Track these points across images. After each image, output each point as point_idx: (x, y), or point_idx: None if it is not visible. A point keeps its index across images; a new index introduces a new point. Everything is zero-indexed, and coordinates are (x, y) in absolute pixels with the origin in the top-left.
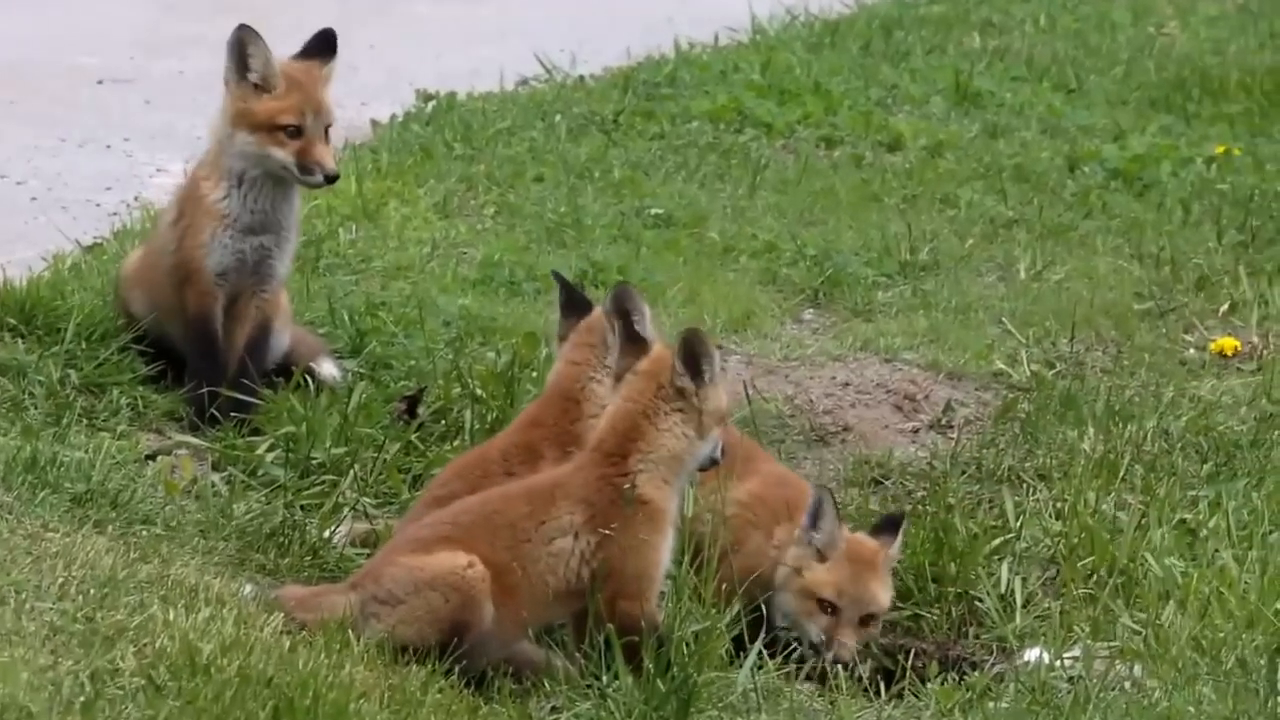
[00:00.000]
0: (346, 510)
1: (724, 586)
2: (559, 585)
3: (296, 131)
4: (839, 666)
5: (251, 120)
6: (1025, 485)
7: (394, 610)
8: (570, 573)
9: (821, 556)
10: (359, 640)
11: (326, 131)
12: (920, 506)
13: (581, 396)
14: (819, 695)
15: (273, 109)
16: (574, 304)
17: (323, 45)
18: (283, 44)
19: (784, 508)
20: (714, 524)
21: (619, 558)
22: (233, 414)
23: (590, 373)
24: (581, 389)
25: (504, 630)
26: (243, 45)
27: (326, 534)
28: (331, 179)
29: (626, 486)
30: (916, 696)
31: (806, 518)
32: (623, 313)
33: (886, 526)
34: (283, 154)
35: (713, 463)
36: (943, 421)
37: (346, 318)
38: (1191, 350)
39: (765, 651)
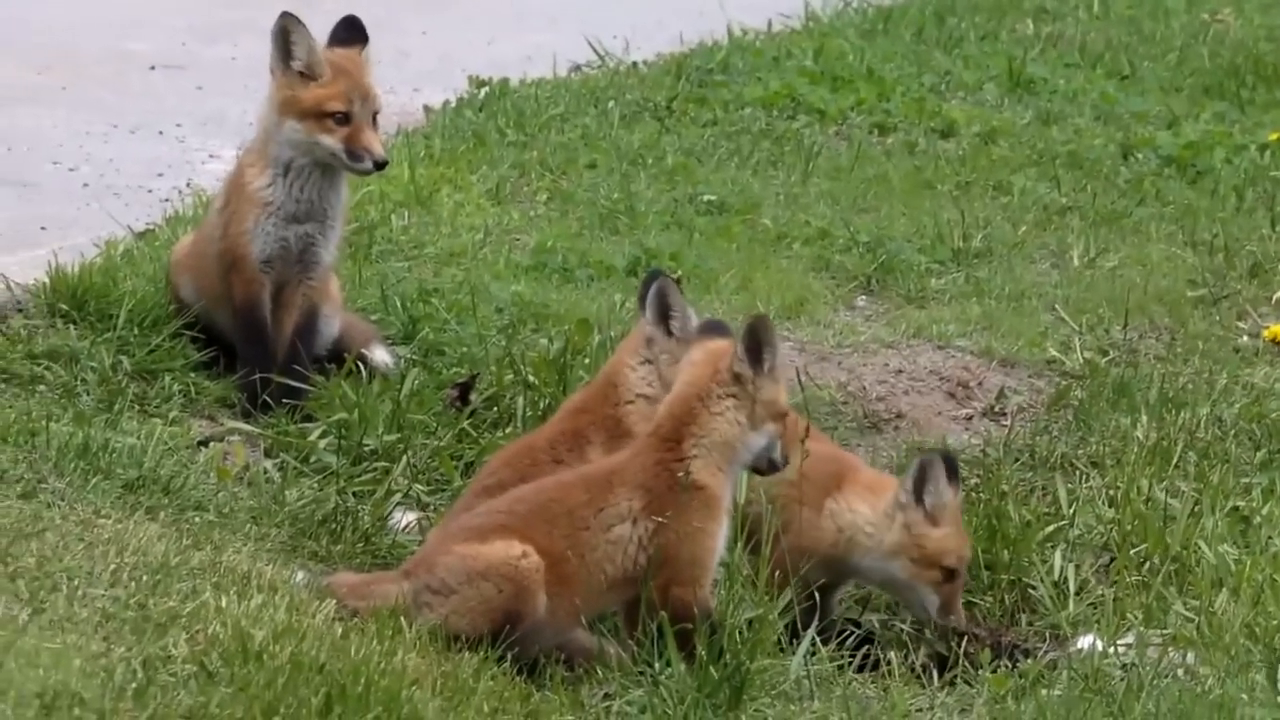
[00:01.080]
0: (398, 497)
1: (777, 572)
2: (616, 573)
3: (345, 118)
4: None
5: (299, 108)
6: (1078, 472)
7: (447, 600)
8: (628, 560)
9: (934, 521)
10: (411, 627)
11: (374, 118)
12: (974, 494)
13: (619, 381)
14: (872, 683)
15: (320, 96)
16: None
17: (352, 31)
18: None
19: (833, 481)
20: (766, 507)
21: (674, 544)
22: (284, 400)
23: (627, 359)
24: (619, 374)
25: (557, 619)
26: (286, 33)
27: (389, 521)
28: (381, 165)
29: (681, 473)
30: (969, 684)
31: (909, 483)
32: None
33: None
34: (331, 141)
35: (772, 465)
36: (996, 408)
37: (399, 304)
38: (1245, 337)
39: (818, 639)
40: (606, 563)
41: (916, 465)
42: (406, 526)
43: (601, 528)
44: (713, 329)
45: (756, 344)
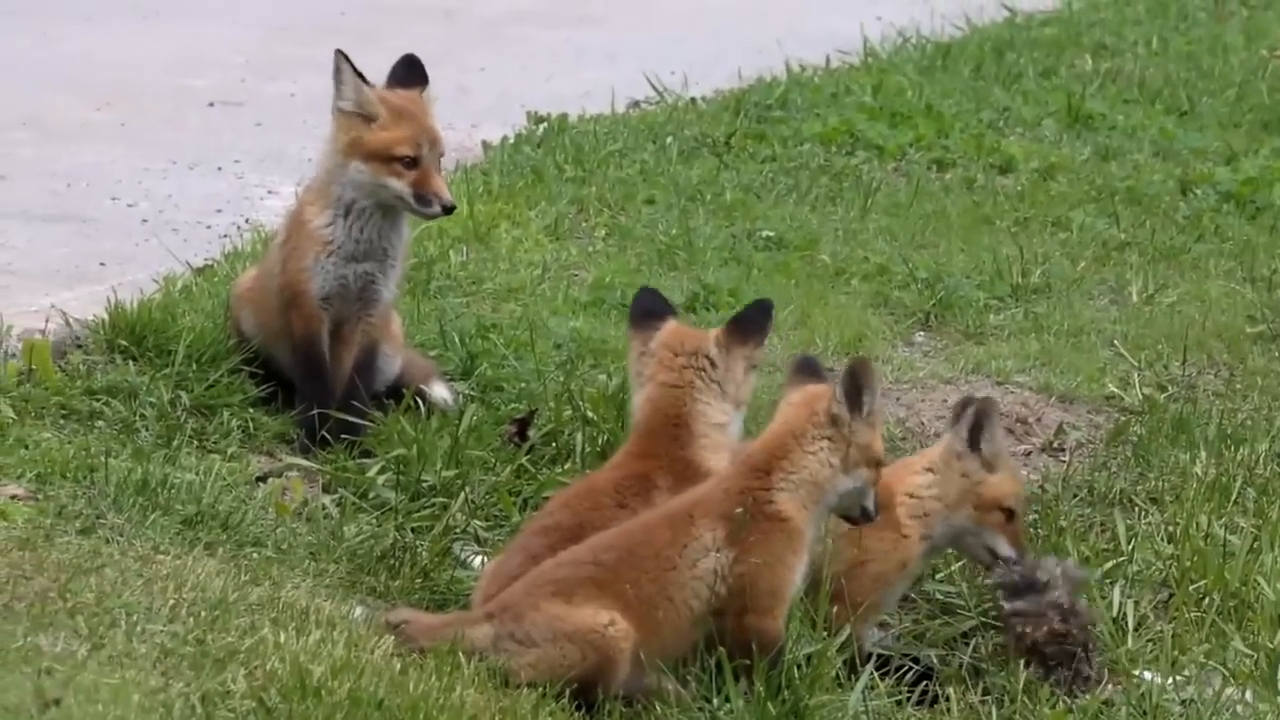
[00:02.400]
0: (457, 532)
1: (859, 599)
2: (701, 608)
3: (413, 162)
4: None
5: (365, 150)
6: (1137, 508)
7: (529, 651)
8: (712, 593)
9: (990, 466)
10: (483, 666)
11: (439, 161)
12: (1032, 529)
13: (690, 419)
14: (930, 719)
15: (388, 140)
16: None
17: (412, 71)
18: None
19: (887, 494)
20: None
21: (754, 573)
22: (343, 436)
23: (696, 394)
24: (689, 412)
25: (639, 667)
26: (339, 71)
27: (465, 561)
28: (449, 209)
29: (746, 504)
30: (1027, 719)
31: (963, 432)
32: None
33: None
34: (399, 185)
35: (864, 514)
36: (1054, 444)
37: (457, 340)
38: None
39: (876, 674)
40: (693, 599)
41: (971, 414)
42: (480, 566)
43: (688, 564)
44: (805, 367)
45: (857, 388)
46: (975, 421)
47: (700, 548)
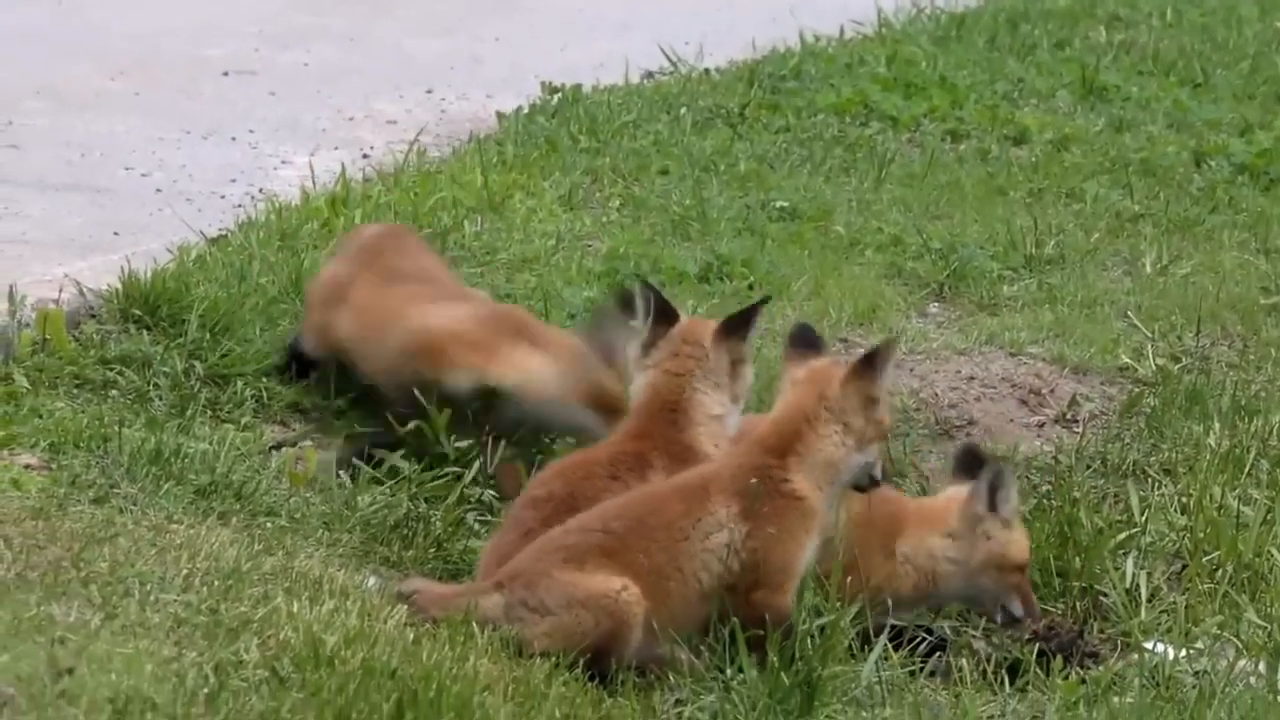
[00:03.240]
0: (471, 503)
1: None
2: (711, 582)
3: None
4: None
5: None
6: (1150, 480)
7: (543, 619)
8: (724, 567)
9: (1008, 525)
10: (496, 636)
11: None
12: (1045, 501)
13: (688, 406)
14: (943, 689)
15: None
16: (664, 313)
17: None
18: (408, 34)
19: (893, 523)
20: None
21: (767, 549)
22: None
23: (695, 383)
24: (687, 399)
25: (650, 636)
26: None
27: None
28: None
29: (754, 481)
30: (1041, 691)
31: (983, 494)
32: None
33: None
34: None
35: (873, 481)
36: (1068, 416)
37: None
38: None
39: (889, 645)
40: (703, 572)
41: (990, 476)
42: None
43: (701, 536)
44: (802, 337)
45: (872, 369)
46: (994, 483)
47: (714, 522)
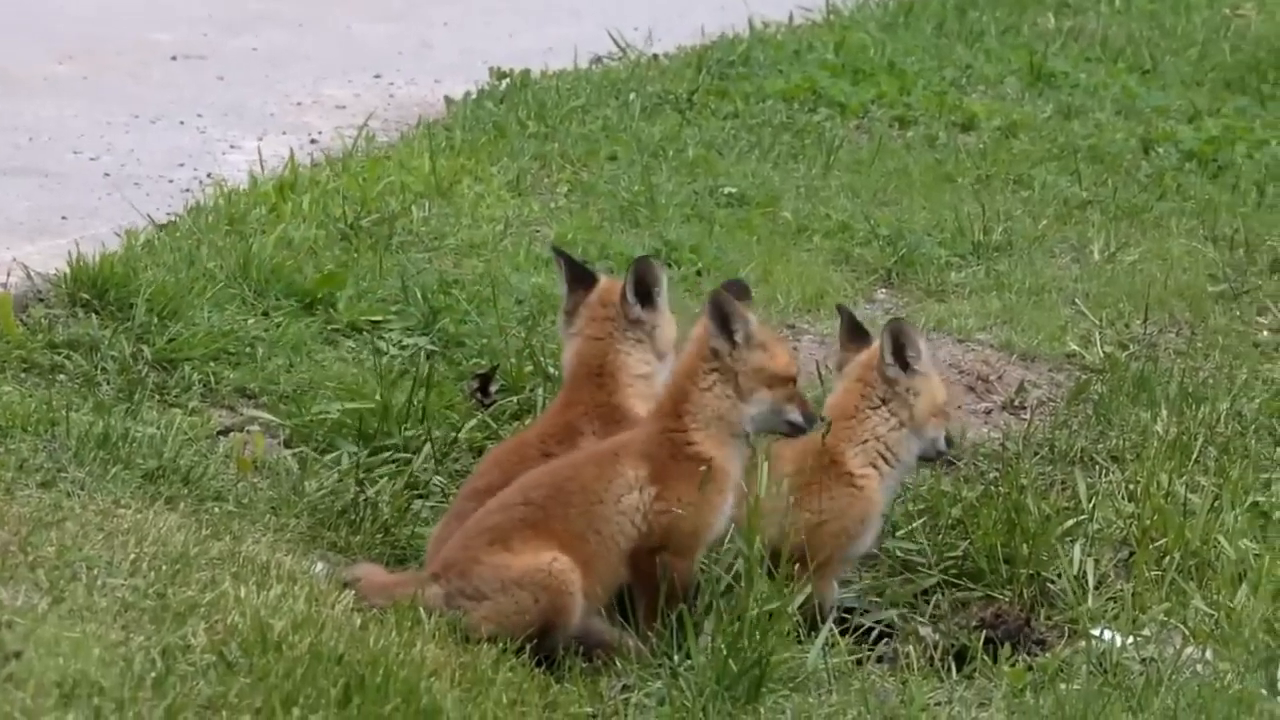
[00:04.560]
0: (419, 489)
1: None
2: (627, 545)
3: None
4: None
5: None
6: (1098, 467)
7: (481, 605)
8: (637, 530)
9: (929, 375)
10: (430, 619)
11: None
12: (993, 487)
13: (614, 369)
14: (890, 675)
15: None
16: (579, 278)
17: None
18: (357, 19)
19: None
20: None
21: (676, 512)
22: None
23: (616, 345)
24: (611, 361)
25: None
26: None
27: None
28: None
29: (687, 445)
30: (988, 678)
31: (889, 356)
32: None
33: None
34: None
35: (794, 427)
36: (1015, 402)
37: (419, 295)
38: (1265, 333)
39: (835, 631)
40: (620, 535)
41: (888, 335)
42: None
43: (613, 499)
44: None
45: (723, 317)
46: (895, 339)
47: (624, 484)
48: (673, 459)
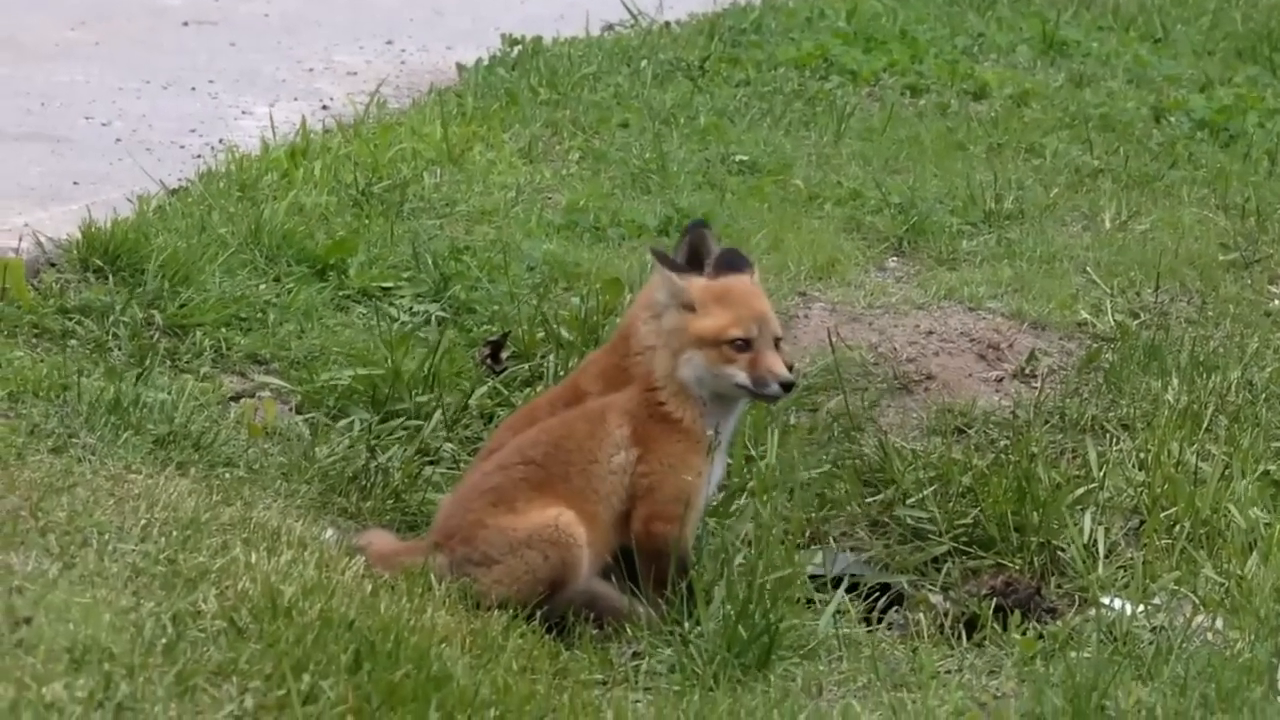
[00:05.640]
0: (430, 455)
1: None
2: (620, 506)
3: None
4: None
5: None
6: (1109, 435)
7: (491, 569)
8: (627, 490)
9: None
10: (441, 585)
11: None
12: (1003, 456)
13: (630, 333)
14: (900, 643)
15: None
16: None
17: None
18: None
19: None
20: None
21: (656, 475)
22: None
23: (640, 312)
24: (631, 327)
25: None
26: None
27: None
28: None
29: (659, 406)
30: (998, 646)
31: (681, 259)
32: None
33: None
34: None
35: (757, 395)
36: (1026, 371)
37: (430, 262)
38: (1276, 301)
39: (846, 598)
40: (613, 495)
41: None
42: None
43: (606, 458)
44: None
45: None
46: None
47: (614, 443)
48: (650, 419)
